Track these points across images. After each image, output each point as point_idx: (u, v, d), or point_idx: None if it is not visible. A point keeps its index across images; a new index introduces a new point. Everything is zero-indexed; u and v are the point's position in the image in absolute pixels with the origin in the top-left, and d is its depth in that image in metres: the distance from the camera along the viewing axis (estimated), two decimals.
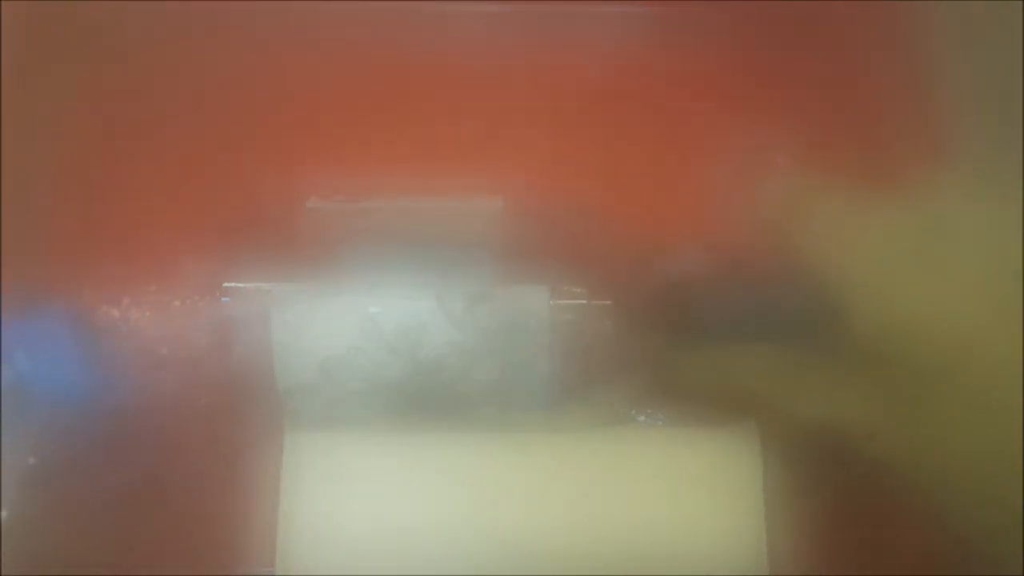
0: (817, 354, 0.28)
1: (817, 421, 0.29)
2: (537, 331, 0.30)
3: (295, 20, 0.40)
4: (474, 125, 0.38)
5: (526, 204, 0.33)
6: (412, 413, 0.31)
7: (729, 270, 0.30)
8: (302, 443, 0.31)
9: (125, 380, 0.31)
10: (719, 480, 0.31)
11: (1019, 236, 0.25)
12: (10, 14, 0.38)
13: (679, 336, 0.30)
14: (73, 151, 0.38)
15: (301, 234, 0.33)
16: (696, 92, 0.40)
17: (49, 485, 0.31)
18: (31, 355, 0.29)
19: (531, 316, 0.30)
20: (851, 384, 0.28)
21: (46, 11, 0.40)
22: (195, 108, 0.39)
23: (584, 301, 0.30)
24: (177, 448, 0.33)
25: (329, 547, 0.30)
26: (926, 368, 0.26)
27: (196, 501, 0.33)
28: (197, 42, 0.40)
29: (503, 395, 0.31)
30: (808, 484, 0.30)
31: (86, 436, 0.32)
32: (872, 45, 0.40)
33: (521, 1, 0.41)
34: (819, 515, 0.30)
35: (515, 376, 0.30)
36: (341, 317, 0.30)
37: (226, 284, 0.31)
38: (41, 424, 0.30)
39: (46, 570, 0.30)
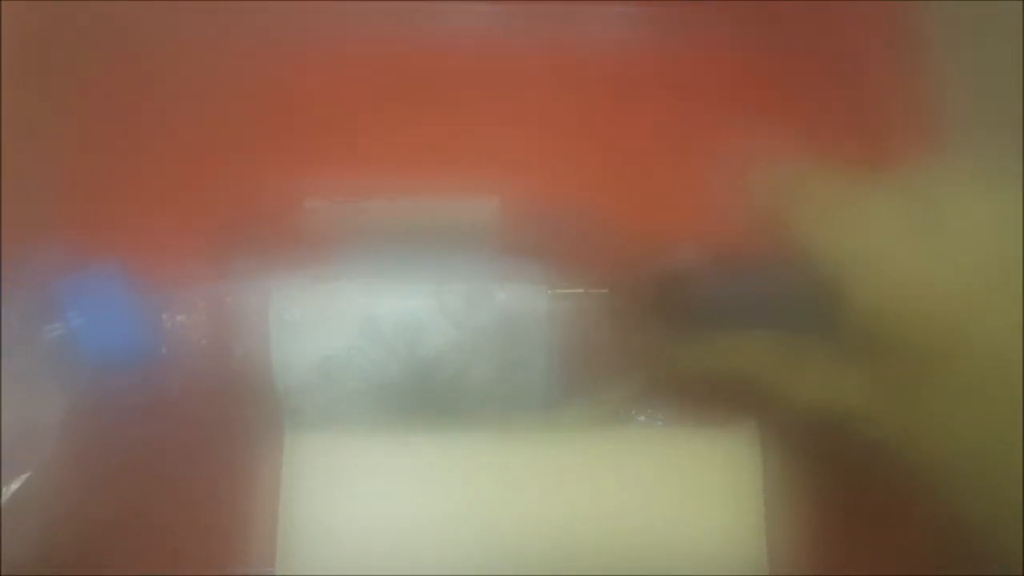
0: (816, 340, 0.28)
1: (816, 407, 0.29)
2: (536, 329, 0.30)
3: (295, 22, 0.40)
4: (472, 126, 0.38)
5: (523, 203, 0.33)
6: (412, 412, 0.31)
7: (727, 259, 0.30)
8: (302, 443, 0.31)
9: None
10: (719, 480, 0.31)
11: (1018, 220, 0.25)
12: (10, 14, 0.38)
13: (678, 326, 0.30)
14: (73, 150, 0.38)
15: (301, 234, 0.33)
16: (693, 84, 0.40)
17: (50, 482, 0.31)
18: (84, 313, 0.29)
19: (529, 314, 0.30)
20: (850, 369, 0.28)
21: (46, 11, 0.40)
22: (195, 108, 0.39)
23: (582, 290, 0.30)
24: (177, 448, 0.33)
25: (329, 547, 0.30)
26: (925, 353, 0.26)
27: (197, 501, 0.33)
28: (197, 43, 0.40)
29: (502, 394, 0.31)
30: (808, 483, 0.30)
31: (94, 431, 0.32)
32: (869, 34, 0.40)
33: (519, 1, 0.41)
34: (819, 515, 0.30)
35: (514, 375, 0.30)
36: (340, 317, 0.30)
37: (226, 284, 0.31)
38: (75, 387, 0.30)
39: (44, 568, 0.30)
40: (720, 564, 0.30)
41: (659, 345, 0.30)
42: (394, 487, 0.31)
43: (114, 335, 0.30)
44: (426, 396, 0.31)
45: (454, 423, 0.31)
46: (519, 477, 0.31)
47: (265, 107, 0.39)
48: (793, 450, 0.31)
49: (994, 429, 0.25)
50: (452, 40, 0.41)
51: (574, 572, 0.30)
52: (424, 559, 0.30)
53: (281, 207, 0.34)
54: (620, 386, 0.31)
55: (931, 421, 0.26)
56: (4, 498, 0.30)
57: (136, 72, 0.40)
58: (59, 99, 0.39)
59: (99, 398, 0.31)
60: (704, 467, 0.31)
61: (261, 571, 0.30)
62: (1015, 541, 0.25)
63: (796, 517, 0.30)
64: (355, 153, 0.38)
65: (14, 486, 0.30)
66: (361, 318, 0.30)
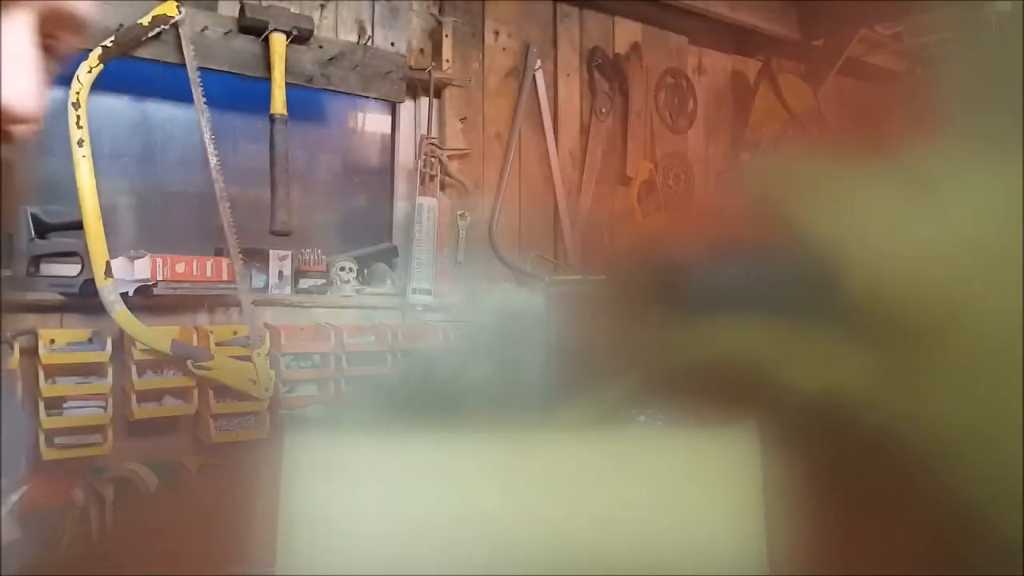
0: (816, 324, 0.28)
1: (816, 391, 0.28)
2: (535, 328, 0.30)
3: None
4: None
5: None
6: (412, 412, 0.31)
7: (727, 245, 0.30)
8: (302, 443, 0.31)
9: None
10: (719, 480, 0.31)
11: (1016, 204, 0.25)
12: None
13: (678, 313, 0.30)
14: None
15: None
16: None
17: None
18: None
19: (528, 313, 0.29)
20: (849, 352, 0.28)
21: None
22: None
23: (580, 278, 0.30)
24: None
25: (329, 547, 0.30)
26: (924, 335, 0.26)
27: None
28: None
29: (502, 393, 0.31)
30: (808, 483, 0.30)
31: None
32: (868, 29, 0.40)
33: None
34: (819, 515, 0.30)
35: (514, 374, 0.30)
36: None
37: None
38: None
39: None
40: (720, 564, 0.30)
41: (659, 333, 0.30)
42: (394, 487, 0.31)
43: None
44: (426, 396, 0.31)
45: (454, 423, 0.31)
46: (519, 477, 0.31)
47: None
48: (793, 450, 0.31)
49: (994, 411, 0.25)
50: None
51: (574, 572, 0.30)
52: (424, 558, 0.30)
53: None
54: (620, 382, 0.31)
55: (930, 403, 0.26)
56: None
57: None
58: None
59: None
60: (704, 467, 0.31)
61: (261, 571, 0.30)
62: (1015, 522, 0.25)
63: (796, 517, 0.30)
64: None
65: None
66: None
